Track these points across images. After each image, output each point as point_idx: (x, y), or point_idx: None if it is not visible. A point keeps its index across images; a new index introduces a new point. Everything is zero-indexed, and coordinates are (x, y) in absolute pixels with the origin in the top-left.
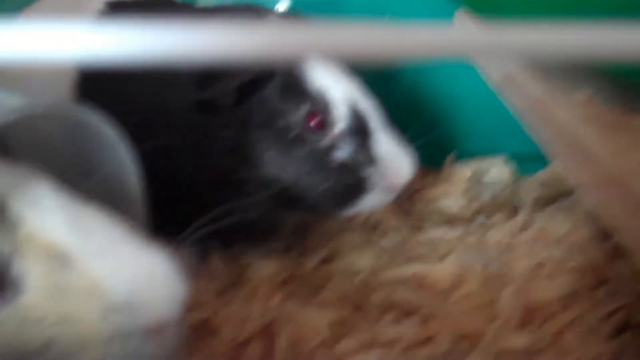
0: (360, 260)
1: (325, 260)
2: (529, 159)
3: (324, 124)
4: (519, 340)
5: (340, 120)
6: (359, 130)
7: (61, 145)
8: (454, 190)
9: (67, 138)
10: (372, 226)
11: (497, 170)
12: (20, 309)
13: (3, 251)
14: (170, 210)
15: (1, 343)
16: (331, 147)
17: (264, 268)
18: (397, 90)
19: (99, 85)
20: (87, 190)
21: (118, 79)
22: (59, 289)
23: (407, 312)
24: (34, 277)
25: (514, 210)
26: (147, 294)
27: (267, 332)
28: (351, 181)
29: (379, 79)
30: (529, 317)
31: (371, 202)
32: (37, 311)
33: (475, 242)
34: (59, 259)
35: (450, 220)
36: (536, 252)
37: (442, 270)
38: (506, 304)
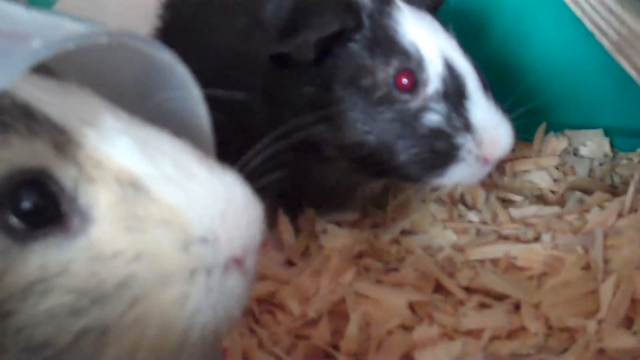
0: (444, 235)
1: (405, 233)
2: (627, 134)
3: (416, 83)
4: (625, 340)
5: (434, 79)
6: (455, 92)
7: (128, 80)
8: (546, 163)
9: (135, 72)
10: (457, 199)
11: (593, 144)
12: (92, 243)
13: (67, 176)
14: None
15: (74, 284)
16: (422, 110)
17: (337, 238)
18: (483, 52)
19: (179, 28)
20: (155, 122)
21: (199, 23)
22: (134, 219)
23: (495, 297)
24: (104, 206)
25: (613, 189)
26: (227, 222)
27: (338, 310)
28: (442, 148)
29: (464, 39)
30: (635, 313)
31: (463, 174)
32: (112, 245)
33: (573, 222)
34: (132, 186)
35: (542, 196)
36: None
37: (535, 253)
38: (609, 296)
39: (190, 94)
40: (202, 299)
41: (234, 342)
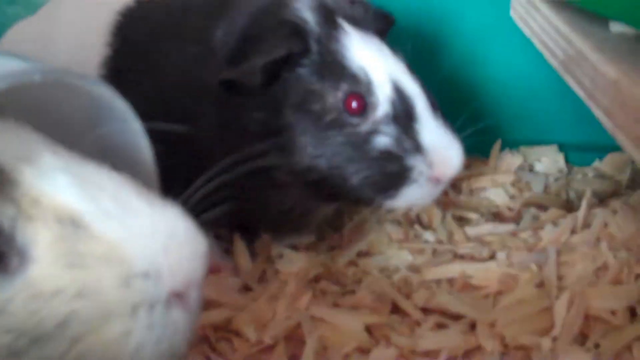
0: (400, 256)
1: (362, 255)
2: (581, 149)
3: (365, 107)
4: (579, 356)
5: (384, 103)
6: (404, 114)
7: (72, 114)
8: (501, 180)
9: (78, 106)
10: (413, 218)
11: (548, 160)
12: (31, 282)
13: (4, 215)
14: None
15: (12, 324)
16: (372, 133)
17: (294, 262)
18: (438, 73)
19: (129, 55)
20: (97, 156)
21: (150, 50)
22: (75, 256)
23: (451, 317)
24: (43, 245)
25: (568, 205)
26: (169, 256)
27: (295, 335)
28: (393, 170)
29: (418, 59)
30: (589, 329)
31: (415, 195)
32: (52, 283)
33: (528, 239)
34: (71, 223)
35: (498, 214)
36: (598, 254)
37: (491, 272)
38: (563, 313)
39: (131, 127)
40: (145, 334)
41: None
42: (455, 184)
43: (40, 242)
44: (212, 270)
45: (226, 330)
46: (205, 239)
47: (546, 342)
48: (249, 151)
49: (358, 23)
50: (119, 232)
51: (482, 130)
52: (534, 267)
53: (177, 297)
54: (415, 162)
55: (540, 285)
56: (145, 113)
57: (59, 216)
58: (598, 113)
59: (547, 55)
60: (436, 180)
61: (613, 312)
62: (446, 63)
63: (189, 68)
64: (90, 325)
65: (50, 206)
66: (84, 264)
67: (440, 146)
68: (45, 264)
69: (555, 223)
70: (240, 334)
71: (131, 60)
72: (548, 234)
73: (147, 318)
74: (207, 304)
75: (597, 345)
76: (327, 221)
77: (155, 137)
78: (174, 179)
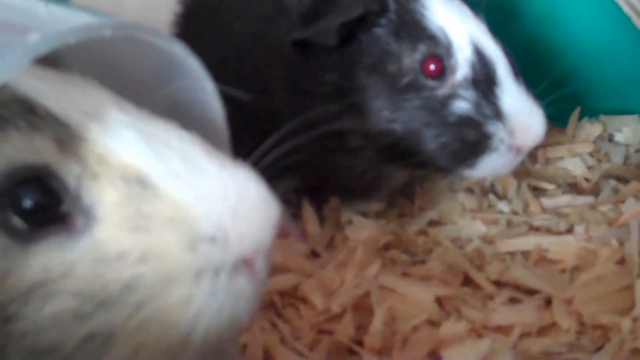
0: (473, 226)
1: (433, 224)
2: None
3: (444, 70)
4: None
5: (463, 66)
6: (484, 79)
7: (143, 69)
8: (579, 150)
9: (149, 61)
10: (487, 188)
11: (629, 130)
12: (96, 244)
13: (70, 173)
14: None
15: (78, 287)
16: (450, 97)
17: (363, 229)
18: (515, 37)
19: (200, 14)
20: (167, 114)
21: (221, 9)
22: (140, 218)
23: (525, 292)
24: (109, 205)
25: None
26: (239, 220)
27: (363, 305)
28: (472, 138)
29: (495, 23)
30: None
31: (495, 164)
32: (117, 246)
33: (607, 213)
34: (138, 182)
35: (575, 185)
36: None
37: (568, 245)
38: None
39: (203, 87)
40: (207, 301)
41: (254, 338)
42: (531, 153)
43: (106, 202)
44: (280, 234)
45: (293, 296)
46: (277, 204)
47: (626, 323)
48: (320, 113)
49: None
50: (186, 193)
51: (560, 98)
52: (614, 242)
53: (244, 264)
54: (496, 130)
55: (621, 262)
56: (214, 74)
57: (126, 175)
58: None
59: (634, 18)
60: (517, 149)
61: None
62: (524, 27)
63: (260, 27)
64: (154, 290)
65: (116, 164)
66: (149, 226)
67: (522, 113)
68: (110, 225)
69: (637, 197)
70: (307, 301)
71: (201, 20)
72: (630, 207)
73: (211, 285)
74: (274, 269)
75: None
76: (397, 188)
77: (224, 98)
78: (242, 142)
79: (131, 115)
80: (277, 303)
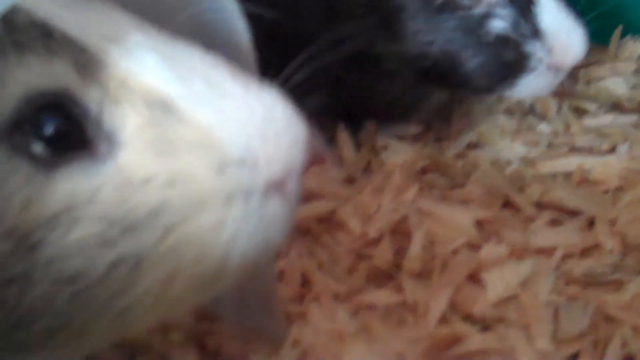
0: (512, 148)
1: (471, 147)
2: None
3: None
4: None
5: None
6: None
7: None
8: (622, 68)
9: None
10: (527, 109)
11: None
12: (120, 169)
13: (91, 98)
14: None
15: (103, 212)
16: (487, 16)
17: (400, 153)
18: None
19: None
20: (189, 36)
21: None
22: (164, 142)
23: (567, 213)
24: (132, 129)
25: None
26: (266, 143)
27: (401, 229)
28: (510, 57)
29: None
30: None
31: (534, 84)
32: (142, 171)
33: None
34: (160, 106)
35: (618, 104)
36: None
37: (611, 166)
38: None
39: (226, 7)
40: (239, 225)
41: (291, 264)
42: (571, 72)
43: (129, 127)
44: (315, 160)
45: (330, 222)
46: (305, 125)
47: None
48: (352, 32)
49: None
50: (211, 116)
51: (602, 14)
52: None
53: (275, 187)
54: (534, 49)
55: None
56: None
57: (148, 99)
58: None
59: None
60: (556, 69)
61: None
62: None
63: None
64: (182, 215)
65: (138, 88)
66: (174, 151)
67: (561, 31)
68: (134, 150)
69: None
70: (344, 227)
71: None
72: None
73: (243, 208)
74: (310, 196)
75: None
76: (435, 110)
77: (250, 18)
78: (269, 64)
79: (153, 38)
80: (313, 229)
